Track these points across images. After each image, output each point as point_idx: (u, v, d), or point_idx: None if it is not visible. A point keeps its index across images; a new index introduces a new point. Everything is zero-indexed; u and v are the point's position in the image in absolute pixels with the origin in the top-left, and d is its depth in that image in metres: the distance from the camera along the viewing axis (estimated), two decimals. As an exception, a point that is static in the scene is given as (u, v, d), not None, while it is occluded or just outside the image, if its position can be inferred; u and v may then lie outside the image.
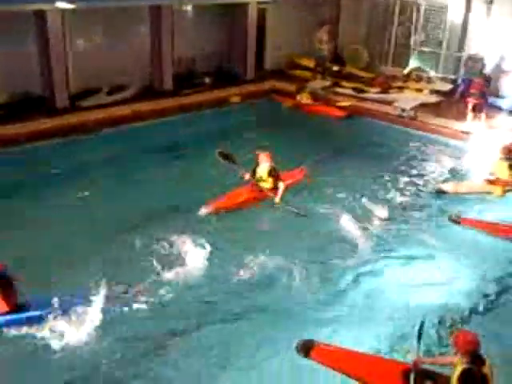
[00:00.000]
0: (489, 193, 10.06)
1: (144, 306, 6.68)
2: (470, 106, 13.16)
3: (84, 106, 13.31)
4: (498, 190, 9.98)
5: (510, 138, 12.12)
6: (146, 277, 7.20)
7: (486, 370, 4.94)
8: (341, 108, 14.65)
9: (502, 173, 10.01)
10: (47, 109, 12.80)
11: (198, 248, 7.89)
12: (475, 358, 4.93)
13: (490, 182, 10.16)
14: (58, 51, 12.71)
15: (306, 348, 5.83)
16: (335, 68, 17.20)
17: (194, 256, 7.72)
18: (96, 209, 9.19)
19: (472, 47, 15.76)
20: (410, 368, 5.35)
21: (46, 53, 12.64)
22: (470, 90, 13.32)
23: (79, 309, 6.32)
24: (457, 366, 5.01)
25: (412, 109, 13.98)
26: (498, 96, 14.61)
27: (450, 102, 15.19)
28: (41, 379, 5.74)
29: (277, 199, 9.32)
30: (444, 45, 16.61)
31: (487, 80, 13.40)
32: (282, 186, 9.36)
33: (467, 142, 12.64)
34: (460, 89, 15.56)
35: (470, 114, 13.18)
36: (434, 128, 13.47)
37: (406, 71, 16.72)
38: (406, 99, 14.69)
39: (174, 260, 7.63)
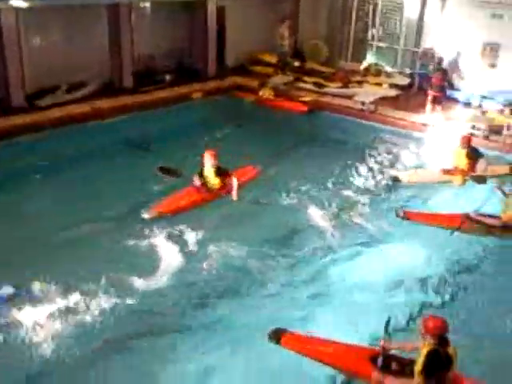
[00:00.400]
0: (448, 182, 10.30)
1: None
2: (429, 98, 13.47)
3: (42, 104, 12.98)
4: (457, 179, 10.22)
5: (467, 128, 12.53)
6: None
7: (450, 350, 5.09)
8: (303, 103, 14.75)
9: (461, 161, 10.28)
10: (2, 108, 12.43)
11: (160, 249, 7.84)
12: (441, 341, 5.07)
13: (447, 172, 10.42)
14: (13, 50, 12.36)
15: (277, 335, 5.95)
16: (296, 63, 17.28)
17: (160, 258, 7.68)
18: (38, 212, 8.85)
19: (428, 42, 16.12)
20: (377, 352, 5.48)
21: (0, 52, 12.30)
22: (431, 83, 13.60)
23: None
24: (423, 348, 5.13)
25: (372, 102, 14.21)
26: (454, 89, 14.99)
27: (409, 96, 15.52)
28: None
29: (234, 196, 9.17)
30: (401, 40, 16.95)
31: (445, 74, 13.69)
32: (235, 181, 9.22)
33: (426, 134, 12.96)
34: (417, 82, 15.94)
35: (429, 106, 13.49)
36: (393, 120, 13.74)
37: (362, 66, 16.97)
38: (366, 93, 14.91)
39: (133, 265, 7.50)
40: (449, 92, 14.28)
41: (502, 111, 13.21)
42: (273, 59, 17.62)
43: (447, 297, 7.18)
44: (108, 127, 12.72)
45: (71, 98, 13.49)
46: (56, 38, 13.86)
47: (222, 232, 8.38)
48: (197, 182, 9.10)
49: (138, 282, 7.06)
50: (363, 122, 13.98)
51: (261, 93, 15.09)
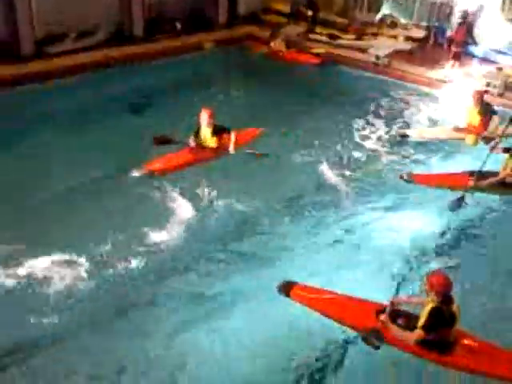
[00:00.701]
0: (460, 139, 10.17)
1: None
2: (451, 54, 13.19)
3: (51, 51, 12.81)
4: (470, 137, 10.04)
5: (481, 85, 12.31)
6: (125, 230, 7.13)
7: (454, 308, 5.23)
8: (315, 55, 14.48)
9: (473, 119, 10.12)
10: (11, 55, 12.27)
11: (169, 204, 7.84)
12: (445, 298, 5.19)
13: (460, 130, 10.29)
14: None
15: (287, 288, 6.06)
16: (309, 13, 16.83)
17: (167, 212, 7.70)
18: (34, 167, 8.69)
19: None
20: (384, 307, 5.61)
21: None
22: (453, 38, 13.26)
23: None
24: (427, 304, 5.26)
25: (386, 56, 13.93)
26: (470, 43, 14.61)
27: (424, 50, 15.18)
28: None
29: (231, 149, 8.91)
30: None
31: (469, 28, 13.27)
32: (232, 136, 8.93)
33: (440, 90, 12.74)
34: (433, 36, 15.55)
35: (450, 61, 13.20)
36: (407, 75, 13.49)
37: (378, 17, 16.51)
38: (381, 46, 14.60)
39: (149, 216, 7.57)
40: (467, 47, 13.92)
41: (518, 68, 12.93)
42: (286, 8, 17.17)
43: (454, 256, 7.23)
44: (115, 77, 12.53)
45: (80, 46, 13.29)
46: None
47: (225, 188, 8.32)
48: (191, 142, 8.84)
49: (141, 240, 7.06)
50: (377, 76, 13.73)
51: (272, 44, 14.78)
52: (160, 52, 14.00)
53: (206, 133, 8.84)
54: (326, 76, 13.87)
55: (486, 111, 10.09)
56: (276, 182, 8.75)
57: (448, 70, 13.19)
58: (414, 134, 10.50)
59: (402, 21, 16.23)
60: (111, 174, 8.54)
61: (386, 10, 16.73)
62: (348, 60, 14.43)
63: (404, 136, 10.47)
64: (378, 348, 5.34)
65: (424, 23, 16.16)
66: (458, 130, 10.30)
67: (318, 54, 14.50)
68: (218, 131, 8.82)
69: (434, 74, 13.33)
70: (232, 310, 6.11)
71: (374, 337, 5.38)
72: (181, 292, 6.35)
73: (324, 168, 9.16)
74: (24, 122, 10.07)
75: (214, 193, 8.16)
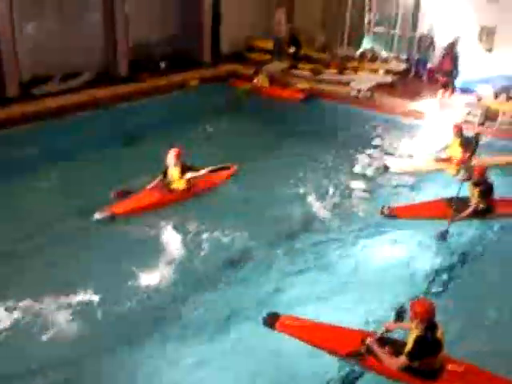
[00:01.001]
0: (441, 170, 10.27)
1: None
2: (440, 84, 13.45)
3: (37, 93, 12.96)
4: (452, 168, 10.15)
5: (462, 115, 12.53)
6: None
7: (439, 335, 5.23)
8: (298, 90, 14.72)
9: (455, 150, 10.28)
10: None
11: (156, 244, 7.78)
12: (429, 325, 5.20)
13: (441, 161, 10.42)
14: (7, 38, 12.27)
15: (272, 320, 6.06)
16: (291, 50, 17.19)
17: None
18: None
19: (425, 27, 16.00)
20: (371, 335, 5.64)
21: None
22: (441, 68, 13.53)
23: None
24: (412, 332, 5.28)
25: (368, 89, 14.18)
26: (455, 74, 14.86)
27: (405, 82, 15.50)
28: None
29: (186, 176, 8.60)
30: (398, 25, 16.84)
31: (455, 59, 13.45)
32: (202, 171, 8.74)
33: (423, 121, 12.95)
34: (414, 68, 15.89)
35: (440, 92, 13.45)
36: (389, 108, 13.72)
37: (359, 52, 16.88)
38: (362, 80, 14.88)
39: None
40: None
41: (497, 97, 13.17)
42: (269, 45, 17.51)
43: (440, 284, 7.24)
44: (101, 117, 12.62)
45: (66, 87, 13.45)
46: (51, 26, 13.76)
47: (203, 225, 8.21)
48: (154, 182, 8.66)
49: (125, 279, 6.98)
50: (359, 109, 13.94)
51: (255, 80, 15.04)
52: (145, 91, 14.17)
53: (173, 173, 8.60)
54: (309, 110, 14.03)
55: (467, 143, 10.22)
56: (258, 216, 8.71)
57: (433, 101, 13.40)
58: (395, 165, 10.61)
59: (383, 54, 16.60)
60: (76, 217, 8.31)
61: (366, 44, 17.13)
62: (331, 94, 14.66)
63: (386, 168, 10.59)
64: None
65: (404, 56, 16.57)
66: (439, 160, 10.44)
67: (301, 89, 14.73)
68: (188, 171, 8.61)
69: (415, 105, 13.58)
70: (217, 344, 6.03)
71: (351, 359, 5.50)
72: (164, 329, 6.27)
73: (308, 201, 9.22)
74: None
75: (192, 231, 8.06)
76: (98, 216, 8.14)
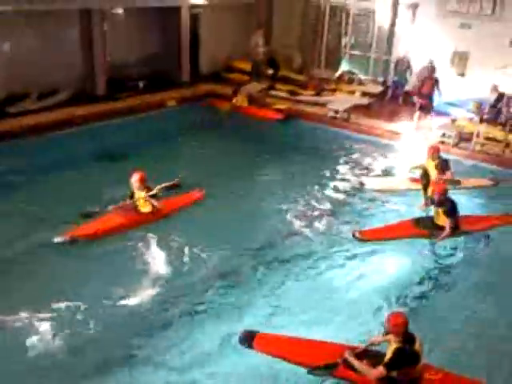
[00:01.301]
0: (416, 190, 10.31)
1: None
2: (417, 107, 13.62)
3: (12, 111, 12.79)
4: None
5: (437, 136, 12.76)
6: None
7: (417, 347, 5.31)
8: (276, 110, 14.84)
9: (430, 172, 10.38)
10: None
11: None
12: (406, 337, 5.30)
13: (414, 180, 10.54)
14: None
15: (249, 338, 5.95)
16: (270, 71, 17.36)
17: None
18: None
19: (400, 50, 16.36)
20: (351, 348, 5.68)
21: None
22: (420, 91, 13.67)
23: None
24: (391, 344, 5.38)
25: (345, 110, 14.36)
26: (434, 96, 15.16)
27: (381, 104, 15.76)
28: None
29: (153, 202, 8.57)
30: (373, 48, 17.20)
31: (436, 82, 13.64)
32: (154, 191, 8.62)
33: (397, 142, 13.15)
34: (391, 91, 16.18)
35: (416, 114, 13.62)
36: (365, 129, 13.90)
37: (337, 74, 17.15)
38: (339, 101, 15.06)
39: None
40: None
41: (471, 119, 13.47)
42: (248, 67, 17.65)
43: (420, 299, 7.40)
44: (78, 136, 12.52)
45: (42, 106, 13.32)
46: (27, 44, 13.63)
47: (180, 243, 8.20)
48: (120, 204, 8.56)
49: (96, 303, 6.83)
50: (336, 129, 14.10)
51: (234, 100, 15.13)
52: (123, 110, 14.11)
53: (139, 196, 8.58)
54: (286, 130, 14.17)
55: (443, 165, 10.20)
56: (227, 236, 8.58)
57: (409, 123, 13.63)
58: (371, 184, 10.74)
59: (360, 76, 16.88)
60: (38, 238, 8.03)
61: (344, 66, 17.42)
62: (308, 115, 14.82)
63: (362, 185, 10.74)
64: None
65: (380, 78, 16.89)
66: (413, 180, 10.56)
67: (279, 110, 14.85)
68: (153, 195, 8.57)
69: (392, 126, 13.79)
70: (195, 369, 5.91)
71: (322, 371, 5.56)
72: (139, 356, 6.12)
73: (283, 218, 9.28)
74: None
75: (159, 252, 7.95)
76: (58, 239, 7.89)
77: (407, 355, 5.27)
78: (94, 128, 13.01)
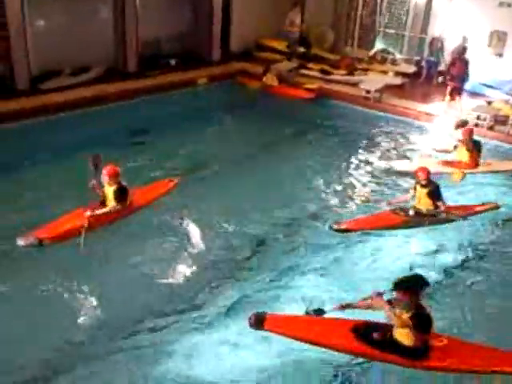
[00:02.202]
0: (447, 173, 10.10)
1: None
2: (448, 89, 13.27)
3: (45, 88, 12.96)
4: (457, 174, 9.99)
5: (471, 118, 12.46)
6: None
7: (428, 311, 5.45)
8: (307, 90, 14.68)
9: (463, 156, 10.20)
10: (6, 91, 12.40)
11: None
12: (418, 306, 5.37)
13: (447, 164, 10.34)
14: (18, 33, 12.31)
15: (259, 320, 5.89)
16: (301, 49, 17.15)
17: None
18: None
19: (436, 29, 15.94)
20: (359, 323, 5.74)
21: (4, 33, 12.21)
22: (451, 73, 13.29)
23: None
24: (401, 315, 5.36)
25: (377, 90, 14.12)
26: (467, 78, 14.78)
27: (415, 84, 15.44)
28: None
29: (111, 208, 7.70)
30: (408, 26, 16.79)
31: (467, 64, 13.22)
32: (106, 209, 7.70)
33: (431, 124, 12.88)
34: (425, 70, 15.82)
35: (447, 97, 13.30)
36: (398, 110, 13.65)
37: (371, 53, 16.83)
38: (371, 81, 14.81)
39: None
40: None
41: (507, 101, 13.10)
42: (280, 45, 17.45)
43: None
44: (109, 112, 12.60)
45: (75, 82, 13.46)
46: (60, 21, 13.76)
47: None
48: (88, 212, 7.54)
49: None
50: (368, 110, 13.90)
51: (264, 79, 15.02)
52: (154, 88, 14.16)
53: (108, 192, 7.78)
54: (317, 110, 14.01)
55: (475, 147, 10.15)
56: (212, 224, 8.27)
57: (441, 104, 13.33)
58: (400, 166, 10.57)
59: (395, 55, 16.53)
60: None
61: (378, 45, 17.08)
62: (339, 95, 14.62)
63: (392, 168, 10.58)
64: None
65: (414, 58, 16.52)
66: (446, 163, 10.36)
67: (310, 89, 14.69)
68: (122, 191, 7.77)
69: (424, 107, 13.51)
70: (210, 357, 5.85)
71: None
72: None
73: (314, 198, 9.23)
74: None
75: (133, 249, 7.52)
76: (21, 242, 7.11)
77: (426, 319, 5.33)
78: (124, 105, 13.09)
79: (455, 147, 10.32)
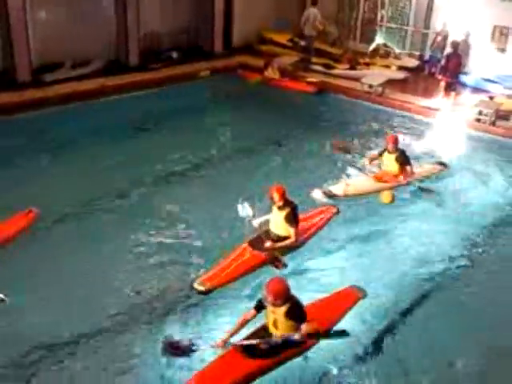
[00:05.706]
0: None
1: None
2: (443, 84, 13.24)
3: (47, 80, 12.94)
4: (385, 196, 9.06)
5: (473, 114, 12.42)
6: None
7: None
8: (309, 84, 14.64)
9: (392, 167, 9.31)
10: (7, 83, 12.39)
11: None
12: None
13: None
14: (19, 25, 12.31)
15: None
16: (303, 43, 17.08)
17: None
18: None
19: (438, 23, 15.87)
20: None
21: (6, 25, 12.23)
22: (445, 68, 13.24)
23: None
24: (275, 312, 5.26)
25: (379, 85, 14.08)
26: (462, 73, 14.78)
27: (417, 79, 15.38)
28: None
29: None
30: (410, 21, 16.71)
31: (460, 59, 13.20)
32: None
33: (433, 119, 12.83)
34: (428, 65, 15.76)
35: (442, 92, 13.26)
36: (400, 104, 13.61)
37: (371, 47, 16.76)
38: (374, 75, 14.76)
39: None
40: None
41: (510, 96, 13.06)
42: (282, 38, 17.40)
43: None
44: (111, 106, 12.59)
45: (76, 75, 13.44)
46: (62, 13, 13.74)
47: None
48: None
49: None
50: (370, 104, 13.85)
51: (266, 73, 14.98)
52: (156, 81, 14.14)
53: None
54: (318, 104, 13.95)
55: (403, 158, 9.20)
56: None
57: (441, 100, 13.29)
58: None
59: (396, 50, 16.47)
60: None
61: (379, 39, 17.01)
62: (341, 89, 14.58)
63: None
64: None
65: (417, 53, 16.45)
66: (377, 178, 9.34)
67: (311, 83, 14.65)
68: None
69: (426, 102, 13.47)
70: None
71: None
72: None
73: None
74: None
75: None
76: None
77: (301, 307, 5.26)
78: (125, 98, 13.07)
79: (380, 154, 9.48)
